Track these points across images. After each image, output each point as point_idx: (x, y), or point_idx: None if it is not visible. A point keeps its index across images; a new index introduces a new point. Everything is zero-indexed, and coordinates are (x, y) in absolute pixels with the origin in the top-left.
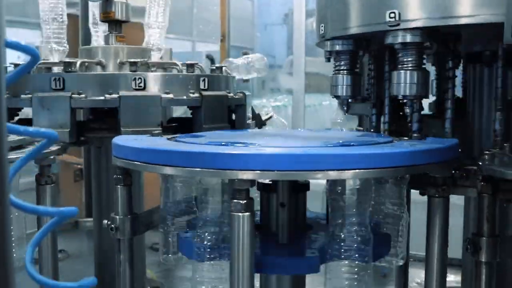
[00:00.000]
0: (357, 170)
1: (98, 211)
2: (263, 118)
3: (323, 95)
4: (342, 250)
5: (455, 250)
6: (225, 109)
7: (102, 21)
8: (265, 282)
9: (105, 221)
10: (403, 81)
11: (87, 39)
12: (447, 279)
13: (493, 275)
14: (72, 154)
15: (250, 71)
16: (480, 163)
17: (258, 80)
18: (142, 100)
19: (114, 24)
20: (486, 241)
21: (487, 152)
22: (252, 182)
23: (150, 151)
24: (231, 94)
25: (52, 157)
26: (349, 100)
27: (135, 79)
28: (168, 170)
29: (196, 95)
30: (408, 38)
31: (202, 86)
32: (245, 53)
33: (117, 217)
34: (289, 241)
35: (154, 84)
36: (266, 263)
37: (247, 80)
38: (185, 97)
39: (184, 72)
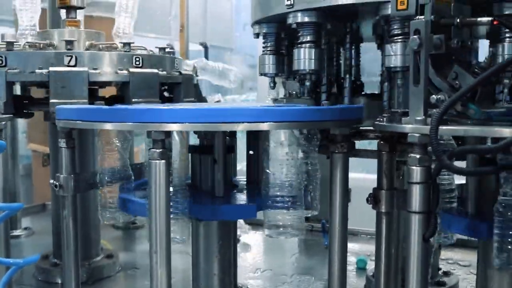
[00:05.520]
0: (269, 123)
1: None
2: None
3: None
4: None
5: None
6: (156, 86)
7: (59, 7)
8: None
9: (51, 180)
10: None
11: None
12: None
13: (392, 223)
14: (42, 144)
15: (222, 79)
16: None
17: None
18: (70, 75)
19: (70, 10)
20: (385, 194)
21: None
22: (167, 133)
23: (83, 110)
24: (164, 73)
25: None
26: (275, 78)
27: (68, 56)
28: (98, 126)
29: (124, 72)
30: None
31: (135, 64)
32: (202, 44)
33: (61, 176)
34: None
35: (86, 61)
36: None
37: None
38: (113, 73)
39: (118, 51)
